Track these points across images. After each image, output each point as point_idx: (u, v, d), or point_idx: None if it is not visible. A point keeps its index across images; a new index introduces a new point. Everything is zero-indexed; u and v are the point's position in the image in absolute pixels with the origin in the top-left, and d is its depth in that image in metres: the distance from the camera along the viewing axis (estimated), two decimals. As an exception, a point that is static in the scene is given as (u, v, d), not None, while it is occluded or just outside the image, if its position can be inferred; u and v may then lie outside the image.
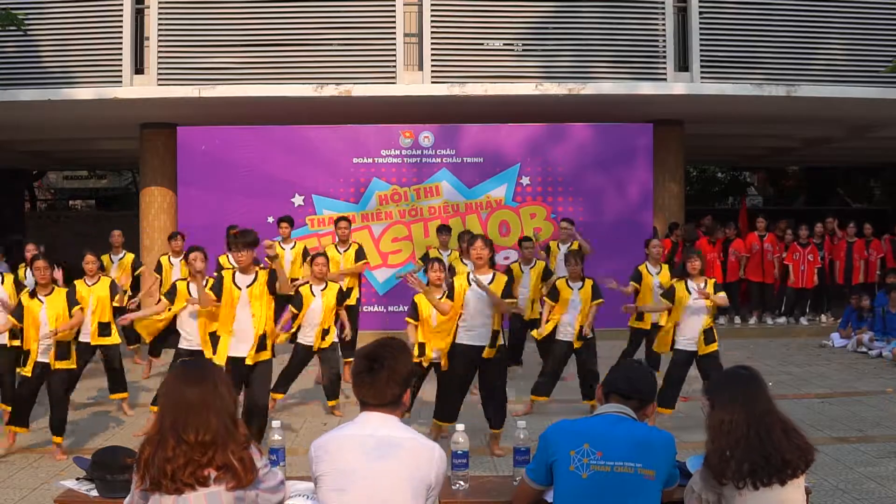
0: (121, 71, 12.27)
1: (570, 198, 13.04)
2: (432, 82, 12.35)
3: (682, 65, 12.68)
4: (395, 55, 12.36)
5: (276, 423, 3.88)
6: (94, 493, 3.49)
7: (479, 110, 13.19)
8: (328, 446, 2.87)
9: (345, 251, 9.94)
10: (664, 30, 12.56)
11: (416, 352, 7.11)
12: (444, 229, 10.57)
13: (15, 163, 20.07)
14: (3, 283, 7.69)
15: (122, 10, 12.25)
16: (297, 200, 12.89)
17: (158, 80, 12.31)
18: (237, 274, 6.49)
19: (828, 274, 13.90)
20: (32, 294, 6.77)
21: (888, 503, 5.61)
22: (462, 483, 3.64)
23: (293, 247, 10.29)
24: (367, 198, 12.91)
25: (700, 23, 12.51)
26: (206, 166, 12.80)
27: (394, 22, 12.36)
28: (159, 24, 12.31)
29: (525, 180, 13.00)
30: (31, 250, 9.34)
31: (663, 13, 12.56)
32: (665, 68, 12.56)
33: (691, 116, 13.92)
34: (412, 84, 12.39)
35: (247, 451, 2.76)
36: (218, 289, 6.50)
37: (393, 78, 12.36)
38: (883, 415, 8.04)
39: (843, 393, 9.13)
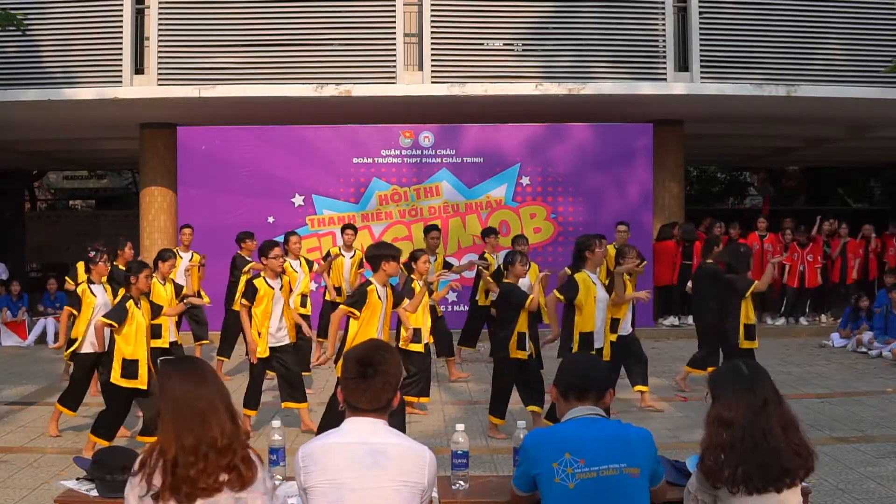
0: (121, 71, 12.27)
1: (570, 198, 13.04)
2: (432, 82, 12.34)
3: (682, 65, 12.68)
4: (395, 55, 12.35)
5: (275, 423, 3.88)
6: (94, 493, 3.49)
7: (479, 110, 13.19)
8: (316, 455, 2.79)
9: (350, 257, 10.42)
10: (664, 30, 12.56)
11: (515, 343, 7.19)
12: (491, 231, 10.72)
13: (15, 163, 20.04)
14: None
15: (122, 10, 12.25)
16: (297, 200, 12.89)
17: (158, 80, 12.30)
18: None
19: (829, 274, 13.92)
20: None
21: (888, 503, 5.61)
22: (462, 483, 3.64)
23: (353, 255, 10.48)
24: (367, 198, 12.91)
25: (700, 23, 12.50)
26: (206, 166, 12.79)
27: (394, 22, 12.36)
28: (159, 24, 12.31)
29: (525, 180, 13.00)
30: (130, 248, 9.38)
31: (663, 13, 12.56)
32: (665, 68, 12.56)
33: (691, 116, 13.92)
34: (412, 84, 12.38)
35: (247, 450, 2.70)
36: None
37: (393, 78, 12.36)
38: (883, 415, 8.04)
39: (843, 393, 9.12)
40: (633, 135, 13.20)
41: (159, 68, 12.32)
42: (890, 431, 7.39)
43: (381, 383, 2.81)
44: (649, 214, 13.14)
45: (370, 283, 6.58)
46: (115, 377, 6.56)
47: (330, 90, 12.19)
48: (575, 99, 12.48)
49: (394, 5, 12.36)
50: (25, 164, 21.45)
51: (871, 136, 16.00)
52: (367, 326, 6.46)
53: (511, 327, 7.12)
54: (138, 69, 12.45)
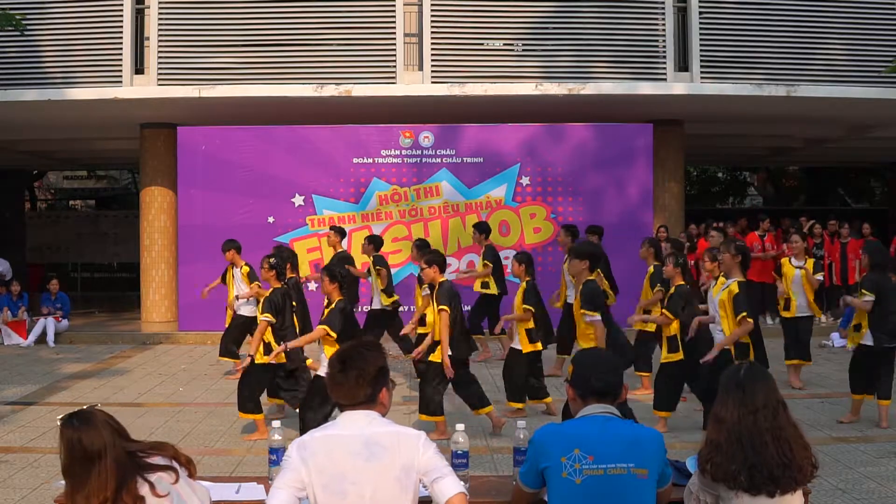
0: (121, 71, 12.27)
1: (570, 198, 13.03)
2: (432, 82, 12.34)
3: (682, 65, 12.68)
4: (395, 55, 12.36)
5: (276, 424, 3.88)
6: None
7: (479, 110, 13.19)
8: (314, 448, 2.84)
9: None
10: (664, 30, 12.56)
11: None
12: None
13: (15, 163, 20.05)
14: None
15: (122, 10, 12.26)
16: (297, 200, 12.89)
17: (158, 80, 12.31)
18: None
19: (827, 275, 13.90)
20: None
21: (888, 503, 5.61)
22: (462, 483, 3.63)
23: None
24: (367, 198, 12.90)
25: (700, 23, 12.51)
26: (206, 166, 12.79)
27: (394, 22, 12.36)
28: (159, 24, 12.31)
29: (525, 180, 12.99)
30: None
31: (663, 13, 12.56)
32: (665, 68, 12.56)
33: (691, 116, 13.92)
34: (412, 84, 12.38)
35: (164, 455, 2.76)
36: None
37: (393, 78, 12.36)
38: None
39: (844, 393, 9.07)
40: (632, 135, 13.20)
41: (159, 68, 12.32)
42: (890, 431, 7.39)
43: (354, 378, 2.87)
44: (649, 214, 13.13)
45: None
46: None
47: (330, 90, 12.19)
48: (575, 99, 12.48)
49: (394, 5, 12.36)
50: (25, 164, 21.45)
51: (871, 136, 16.00)
52: None
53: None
54: (138, 69, 12.45)
